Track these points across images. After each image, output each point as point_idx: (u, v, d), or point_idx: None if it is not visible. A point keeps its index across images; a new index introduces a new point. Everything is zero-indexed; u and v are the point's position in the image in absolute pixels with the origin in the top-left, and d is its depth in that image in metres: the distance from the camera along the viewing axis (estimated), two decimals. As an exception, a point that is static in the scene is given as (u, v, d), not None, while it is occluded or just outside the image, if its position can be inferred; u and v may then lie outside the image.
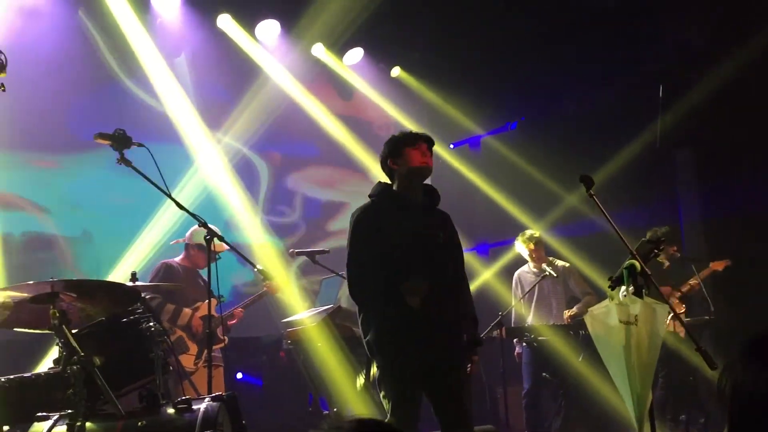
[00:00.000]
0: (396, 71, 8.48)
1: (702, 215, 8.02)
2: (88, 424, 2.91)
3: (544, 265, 6.54)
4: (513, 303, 6.77)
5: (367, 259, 3.55)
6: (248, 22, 7.37)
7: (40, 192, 6.41)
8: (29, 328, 3.32)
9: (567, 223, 8.02)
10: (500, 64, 7.95)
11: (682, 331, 6.09)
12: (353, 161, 7.90)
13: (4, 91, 3.10)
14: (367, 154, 7.74)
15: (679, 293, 6.54)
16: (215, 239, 4.10)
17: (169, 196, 3.91)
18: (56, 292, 3.02)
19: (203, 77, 7.28)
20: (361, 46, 7.96)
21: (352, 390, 5.12)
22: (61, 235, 6.48)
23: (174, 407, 3.10)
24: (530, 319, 6.69)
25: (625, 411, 3.64)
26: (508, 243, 7.87)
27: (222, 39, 7.32)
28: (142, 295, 3.89)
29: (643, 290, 3.50)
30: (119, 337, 3.37)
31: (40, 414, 3.04)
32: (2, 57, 3.11)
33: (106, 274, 6.33)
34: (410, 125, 7.95)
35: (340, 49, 7.92)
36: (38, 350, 5.31)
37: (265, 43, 7.53)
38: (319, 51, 7.86)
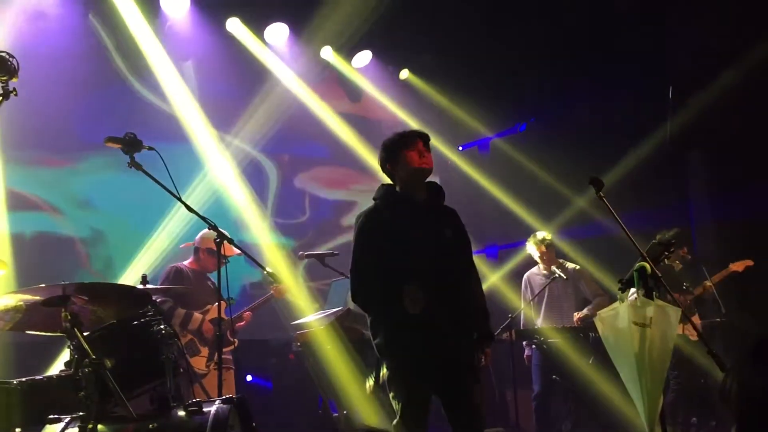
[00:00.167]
0: (404, 74, 8.48)
1: (713, 218, 7.98)
2: (99, 427, 2.92)
3: (553, 268, 6.53)
4: (522, 305, 6.76)
5: (369, 265, 3.55)
6: (257, 25, 7.41)
7: (51, 191, 6.44)
8: (41, 331, 3.34)
9: (576, 226, 8.00)
10: (509, 65, 7.94)
11: (692, 335, 6.07)
12: (363, 161, 7.91)
13: (16, 95, 3.12)
14: (376, 154, 7.73)
15: (691, 296, 6.51)
16: (225, 243, 4.11)
17: (179, 199, 3.93)
18: (68, 295, 3.03)
19: (212, 80, 7.31)
20: (370, 49, 7.97)
21: (361, 393, 5.11)
22: (72, 236, 6.50)
23: (185, 410, 3.10)
24: (540, 322, 6.67)
25: (635, 414, 3.63)
26: (517, 245, 7.86)
27: (231, 42, 7.35)
28: (153, 298, 3.91)
29: (654, 293, 3.49)
30: (130, 340, 3.37)
31: (51, 416, 3.04)
32: (14, 62, 3.13)
33: (117, 275, 6.37)
34: (418, 127, 7.92)
35: (348, 52, 7.93)
36: (50, 353, 5.35)
37: (274, 46, 7.56)
38: (328, 54, 7.88)
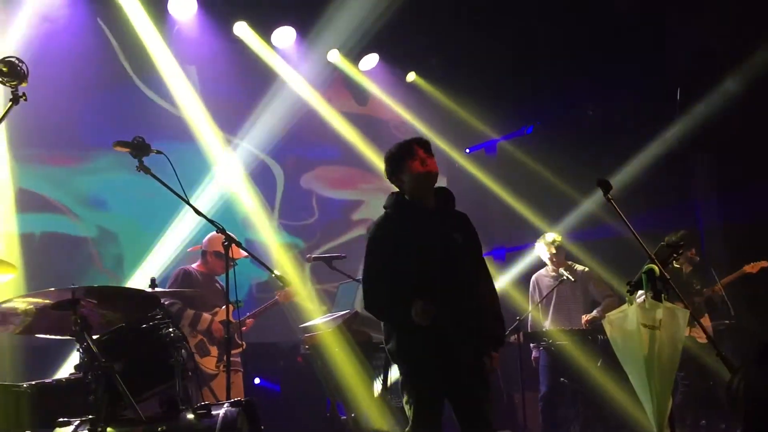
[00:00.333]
0: (411, 76, 8.49)
1: (722, 219, 7.95)
2: (109, 430, 2.93)
3: (561, 270, 6.51)
4: (530, 306, 6.75)
5: (381, 273, 3.59)
6: (264, 29, 7.43)
7: (60, 192, 6.47)
8: (51, 334, 3.35)
9: (584, 228, 7.98)
10: (516, 68, 7.94)
11: (700, 337, 6.05)
12: (370, 161, 7.92)
13: (26, 100, 3.14)
14: (383, 154, 7.74)
15: (702, 298, 6.49)
16: (233, 245, 4.12)
17: (187, 202, 3.95)
18: (77, 298, 3.04)
19: (220, 83, 7.34)
20: (377, 52, 7.99)
21: (369, 395, 5.12)
22: (82, 236, 6.53)
23: (193, 412, 3.11)
24: (548, 324, 6.66)
25: (644, 416, 3.62)
26: (524, 248, 7.85)
27: (238, 46, 7.37)
28: (162, 301, 3.92)
29: (663, 295, 3.48)
30: (139, 343, 3.39)
31: (61, 419, 3.06)
32: (24, 67, 3.15)
33: (126, 276, 6.41)
34: (425, 130, 7.97)
35: (355, 56, 7.95)
36: (59, 356, 5.37)
37: (281, 49, 7.58)
38: (335, 57, 7.90)
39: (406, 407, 3.54)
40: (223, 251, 4.19)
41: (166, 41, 6.90)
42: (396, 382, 5.37)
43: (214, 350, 5.51)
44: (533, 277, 6.87)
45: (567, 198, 8.06)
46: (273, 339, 7.07)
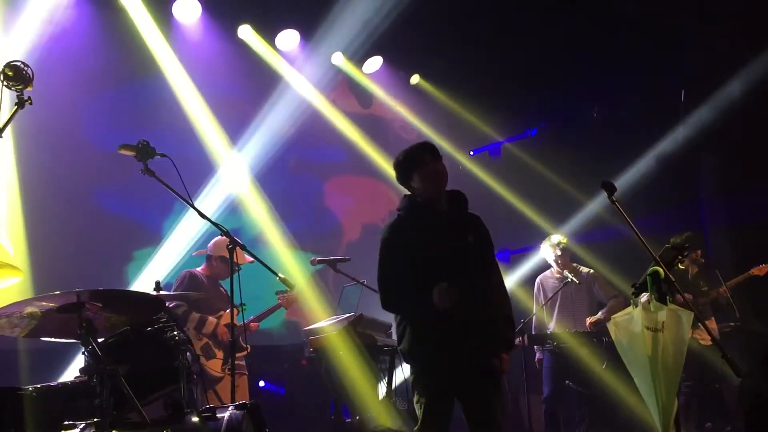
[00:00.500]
0: (415, 79, 8.50)
1: (727, 220, 7.93)
2: (114, 432, 2.94)
3: (566, 272, 6.50)
4: (534, 308, 6.74)
5: (395, 273, 3.62)
6: (269, 32, 7.45)
7: (66, 194, 6.48)
8: (56, 337, 3.35)
9: (588, 229, 7.97)
10: (519, 70, 7.94)
11: (702, 339, 6.04)
12: (375, 163, 7.93)
13: (31, 104, 3.15)
14: (388, 156, 7.78)
15: (707, 299, 6.48)
16: (240, 251, 4.14)
17: (192, 205, 3.96)
18: (82, 302, 3.05)
19: (224, 86, 7.35)
20: (381, 55, 7.99)
21: (374, 398, 5.12)
22: (87, 240, 6.54)
23: (198, 415, 3.12)
24: (552, 326, 6.65)
25: (650, 419, 3.61)
26: (528, 250, 7.84)
27: (243, 49, 7.39)
28: (167, 304, 3.92)
29: (667, 297, 3.48)
30: (144, 346, 3.39)
31: (66, 423, 3.07)
32: (29, 71, 3.16)
33: (131, 280, 6.42)
34: (430, 133, 7.97)
35: (359, 58, 7.96)
36: (65, 359, 5.38)
37: (285, 52, 7.60)
38: (339, 60, 7.91)
39: (416, 407, 3.58)
40: (228, 256, 4.20)
41: (170, 44, 6.92)
42: (401, 384, 5.38)
43: (219, 353, 5.51)
44: (537, 279, 6.86)
45: (571, 200, 8.06)
46: (278, 342, 7.07)
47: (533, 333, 6.65)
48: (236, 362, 4.27)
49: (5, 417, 3.11)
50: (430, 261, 3.57)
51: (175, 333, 3.43)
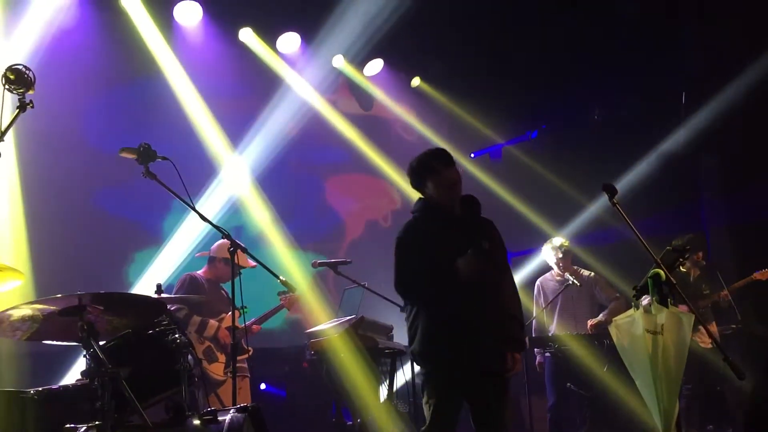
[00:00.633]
0: (416, 81, 8.50)
1: (728, 222, 7.93)
2: (115, 436, 2.94)
3: (567, 275, 6.50)
4: (535, 310, 6.73)
5: (412, 272, 3.66)
6: (269, 35, 7.45)
7: (67, 197, 6.48)
8: (57, 340, 3.36)
9: (589, 232, 7.97)
10: (520, 72, 7.94)
11: (703, 342, 6.03)
12: (377, 165, 7.93)
13: (33, 108, 3.15)
14: (390, 158, 7.81)
15: (709, 301, 6.47)
16: (243, 254, 4.14)
17: (193, 208, 3.96)
18: (84, 305, 3.05)
19: (225, 89, 7.36)
20: (381, 57, 8.00)
21: (375, 401, 5.11)
22: (89, 243, 6.54)
23: (200, 418, 3.12)
24: (553, 328, 6.64)
25: (651, 421, 3.61)
26: (529, 252, 7.83)
27: (244, 52, 7.40)
28: (168, 307, 3.92)
29: (669, 299, 3.48)
30: (146, 349, 3.40)
31: (68, 426, 3.06)
32: (31, 74, 3.16)
33: (133, 283, 6.42)
34: (430, 135, 7.97)
35: (360, 61, 7.96)
36: (66, 362, 5.38)
37: (286, 55, 7.61)
38: (340, 62, 7.91)
39: (425, 407, 3.63)
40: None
41: (171, 47, 6.93)
42: (402, 387, 5.38)
43: (221, 357, 5.51)
44: (538, 282, 6.86)
45: (572, 202, 8.05)
46: (279, 344, 7.07)
47: (533, 336, 6.64)
48: (238, 365, 4.27)
49: (8, 420, 3.12)
50: (446, 261, 3.60)
51: (177, 336, 3.43)
